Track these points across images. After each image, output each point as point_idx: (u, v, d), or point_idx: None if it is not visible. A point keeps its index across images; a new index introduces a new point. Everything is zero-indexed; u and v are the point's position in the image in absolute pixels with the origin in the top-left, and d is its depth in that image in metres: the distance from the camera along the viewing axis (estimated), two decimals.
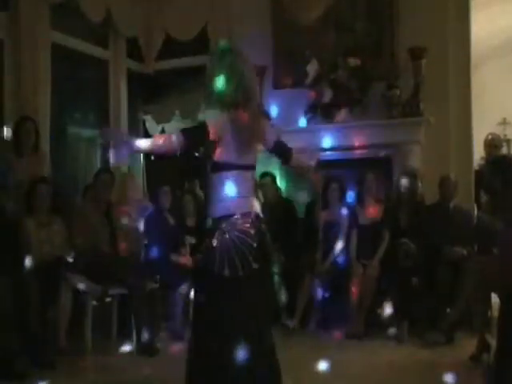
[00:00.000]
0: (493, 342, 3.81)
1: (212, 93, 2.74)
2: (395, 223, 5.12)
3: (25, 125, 4.90)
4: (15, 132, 4.91)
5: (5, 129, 5.19)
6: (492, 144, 5.88)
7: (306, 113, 6.14)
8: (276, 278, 5.22)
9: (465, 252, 4.82)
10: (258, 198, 5.48)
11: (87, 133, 6.79)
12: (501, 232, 3.96)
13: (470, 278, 4.28)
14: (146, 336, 4.51)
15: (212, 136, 2.64)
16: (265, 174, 5.71)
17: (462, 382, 3.67)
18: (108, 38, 6.85)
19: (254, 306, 2.69)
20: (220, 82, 2.70)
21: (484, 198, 5.15)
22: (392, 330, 4.78)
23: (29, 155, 4.85)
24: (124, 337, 4.69)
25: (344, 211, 5.25)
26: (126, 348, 4.49)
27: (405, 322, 4.75)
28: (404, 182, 5.18)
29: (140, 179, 6.91)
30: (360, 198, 5.29)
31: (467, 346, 4.25)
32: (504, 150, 6.99)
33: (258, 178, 5.76)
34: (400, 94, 5.79)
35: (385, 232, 5.06)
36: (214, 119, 2.67)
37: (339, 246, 5.17)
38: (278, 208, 5.50)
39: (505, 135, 7.14)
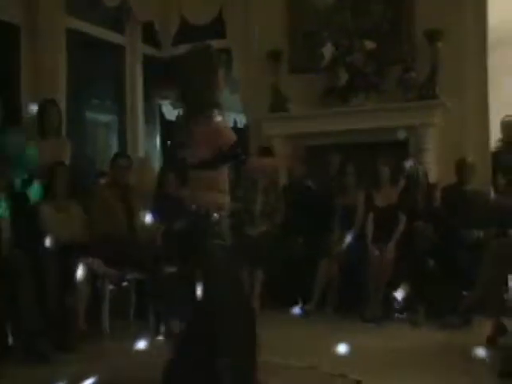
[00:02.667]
0: (508, 323, 3.81)
1: None
2: (411, 206, 5.10)
3: (49, 107, 4.93)
4: (40, 114, 4.93)
5: (30, 108, 5.19)
6: (509, 126, 5.82)
7: (322, 97, 6.12)
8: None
9: (482, 234, 4.80)
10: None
11: (105, 118, 6.84)
12: None
13: (487, 260, 4.26)
14: (164, 321, 4.55)
15: None
16: None
17: (478, 364, 3.71)
18: (124, 23, 6.87)
19: None
20: None
21: (501, 180, 5.14)
22: (409, 314, 4.81)
23: (53, 140, 4.90)
24: (142, 321, 4.74)
25: (360, 195, 5.25)
26: (145, 332, 4.55)
27: (421, 305, 4.76)
28: (407, 165, 5.17)
29: (156, 164, 6.94)
30: (376, 182, 5.28)
31: (484, 328, 4.25)
32: None
33: None
34: (417, 77, 5.75)
35: (401, 215, 5.05)
36: None
37: (355, 229, 5.17)
38: (301, 189, 5.56)
39: None
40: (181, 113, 2.95)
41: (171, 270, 4.97)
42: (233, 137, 2.79)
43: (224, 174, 2.87)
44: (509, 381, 3.40)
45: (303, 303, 5.16)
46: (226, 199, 2.87)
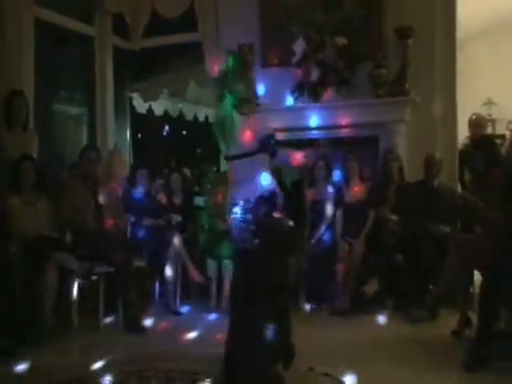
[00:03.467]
0: (474, 317, 3.89)
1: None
2: (381, 201, 5.17)
3: (16, 99, 4.84)
4: (6, 106, 4.83)
5: None
6: (476, 124, 5.93)
7: (293, 92, 6.14)
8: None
9: (448, 230, 4.89)
10: None
11: (74, 110, 6.75)
12: (483, 211, 4.03)
13: (452, 255, 4.34)
14: (133, 313, 4.55)
15: None
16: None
17: (443, 357, 3.78)
18: (93, 14, 6.78)
19: None
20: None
21: (468, 176, 5.23)
22: (377, 307, 4.87)
23: (20, 132, 4.81)
24: (111, 314, 4.73)
25: (330, 190, 5.30)
26: (113, 326, 4.53)
27: (389, 299, 4.84)
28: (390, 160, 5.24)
29: (126, 157, 6.88)
30: (346, 177, 5.34)
31: (450, 321, 4.34)
32: (489, 130, 7.05)
33: None
34: (387, 74, 5.81)
35: (370, 210, 5.11)
36: None
37: (325, 224, 5.21)
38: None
39: (489, 115, 7.19)
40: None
41: (141, 263, 4.98)
42: (269, 130, 3.28)
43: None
44: (474, 373, 3.48)
45: None
46: None
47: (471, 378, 3.43)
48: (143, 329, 4.50)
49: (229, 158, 3.34)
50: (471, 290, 4.51)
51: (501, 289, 3.63)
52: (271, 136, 3.25)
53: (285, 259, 3.39)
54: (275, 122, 6.07)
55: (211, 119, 8.48)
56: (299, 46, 6.16)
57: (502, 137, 6.40)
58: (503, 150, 5.63)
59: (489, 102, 7.26)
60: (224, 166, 5.95)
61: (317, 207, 5.26)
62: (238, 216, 3.22)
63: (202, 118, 8.72)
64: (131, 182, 5.39)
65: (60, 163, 6.19)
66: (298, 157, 4.12)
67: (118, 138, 7.06)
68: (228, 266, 5.13)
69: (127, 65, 7.35)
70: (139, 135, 7.89)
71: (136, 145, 7.46)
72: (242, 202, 3.23)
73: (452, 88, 5.84)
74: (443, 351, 3.90)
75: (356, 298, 4.98)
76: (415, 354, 3.87)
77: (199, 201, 5.87)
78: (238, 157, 3.25)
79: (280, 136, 5.94)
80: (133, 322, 4.51)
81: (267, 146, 3.22)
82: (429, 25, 5.76)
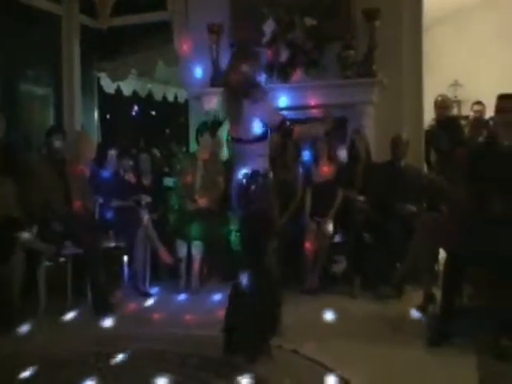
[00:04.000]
0: (438, 294, 4.00)
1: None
2: (349, 181, 5.23)
3: None
4: None
5: None
6: (442, 105, 6.01)
7: (263, 72, 6.12)
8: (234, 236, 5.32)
9: (415, 209, 4.99)
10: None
11: (40, 91, 6.63)
12: (448, 190, 4.12)
13: (418, 234, 4.44)
14: (101, 295, 4.55)
15: None
16: None
17: (408, 332, 3.89)
18: None
19: None
20: None
21: (434, 157, 5.33)
22: (345, 285, 4.96)
23: None
24: (79, 296, 4.70)
25: (299, 170, 5.34)
26: (82, 307, 4.52)
27: (357, 277, 4.93)
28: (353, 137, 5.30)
29: (94, 137, 6.81)
30: (315, 158, 5.38)
31: (415, 298, 4.45)
32: (455, 111, 7.17)
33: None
34: (355, 55, 5.85)
35: (338, 190, 5.17)
36: None
37: (294, 204, 5.26)
38: None
39: (455, 96, 7.31)
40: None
41: (109, 244, 4.96)
42: (278, 113, 3.54)
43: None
44: (436, 347, 3.59)
45: None
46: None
47: (434, 353, 3.53)
48: (112, 310, 4.49)
49: (242, 141, 3.44)
50: (436, 267, 4.62)
51: (464, 266, 3.73)
52: (285, 119, 3.47)
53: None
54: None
55: (180, 99, 8.44)
56: (269, 27, 6.15)
57: (467, 118, 6.51)
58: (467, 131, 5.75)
59: (455, 84, 7.38)
60: (194, 146, 5.96)
61: (286, 187, 5.29)
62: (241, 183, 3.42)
63: (171, 98, 8.66)
64: (99, 162, 5.35)
65: (27, 145, 6.11)
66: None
67: (86, 119, 6.98)
68: (197, 246, 5.17)
69: (95, 44, 7.24)
70: (107, 116, 7.80)
71: (104, 125, 7.38)
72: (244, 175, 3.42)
73: (418, 70, 5.92)
74: (408, 327, 4.01)
75: (325, 276, 5.06)
76: (382, 330, 3.97)
77: (169, 181, 5.86)
78: (251, 141, 3.40)
79: None
80: (101, 304, 4.50)
81: (284, 127, 3.45)
82: (396, 7, 5.83)
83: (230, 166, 5.57)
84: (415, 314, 4.23)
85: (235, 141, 3.51)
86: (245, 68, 3.39)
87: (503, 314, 3.55)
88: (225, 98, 3.52)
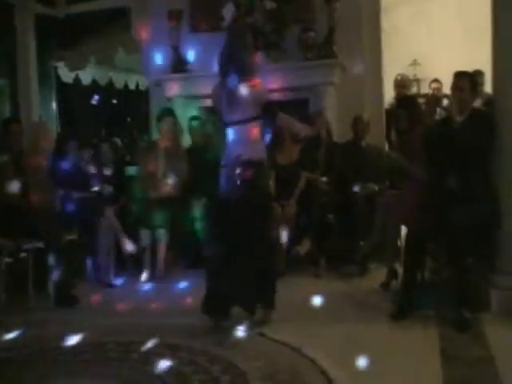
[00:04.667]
0: (400, 270, 4.06)
1: None
2: (311, 163, 5.24)
3: None
4: None
5: None
6: (401, 84, 6.09)
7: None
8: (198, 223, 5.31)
9: (377, 188, 5.03)
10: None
11: None
12: (407, 168, 4.17)
13: (380, 212, 4.49)
14: (64, 288, 4.49)
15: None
16: (193, 118, 5.76)
17: (373, 307, 3.95)
18: None
19: None
20: None
21: (394, 136, 5.37)
22: (311, 266, 5.00)
23: None
24: (41, 290, 4.62)
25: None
26: (45, 301, 4.46)
27: (322, 258, 4.96)
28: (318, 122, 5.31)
29: (53, 128, 6.69)
30: (278, 140, 5.37)
31: (379, 275, 4.51)
32: (414, 90, 7.24)
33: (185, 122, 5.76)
34: (315, 37, 5.85)
35: (301, 172, 5.18)
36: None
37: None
38: (204, 151, 5.57)
39: (415, 75, 7.40)
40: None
41: (72, 236, 4.89)
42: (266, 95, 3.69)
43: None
44: (399, 321, 3.64)
45: None
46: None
47: (398, 327, 3.59)
48: (75, 303, 4.44)
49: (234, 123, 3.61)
50: (399, 244, 4.67)
51: (423, 241, 3.78)
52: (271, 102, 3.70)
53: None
54: (206, 88, 6.05)
55: (142, 87, 8.34)
56: (228, 11, 6.09)
57: (426, 95, 6.59)
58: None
59: (414, 63, 7.45)
60: (155, 135, 5.89)
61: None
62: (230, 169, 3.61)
63: (132, 86, 8.55)
64: (58, 153, 5.25)
65: None
66: None
67: (44, 110, 6.85)
68: (162, 235, 5.13)
69: (51, 33, 7.09)
70: (66, 106, 7.66)
71: (63, 116, 7.25)
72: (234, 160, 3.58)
73: (378, 50, 5.96)
74: (373, 304, 4.06)
75: (290, 258, 5.07)
76: (347, 308, 4.02)
77: (131, 170, 5.80)
78: (241, 122, 3.59)
79: (211, 102, 5.97)
80: (64, 297, 4.44)
81: (270, 110, 3.66)
82: None
83: (194, 153, 5.61)
84: (379, 290, 4.28)
85: (229, 125, 3.65)
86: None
87: (463, 286, 3.61)
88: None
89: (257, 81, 3.64)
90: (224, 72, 3.66)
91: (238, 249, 3.60)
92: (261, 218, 3.64)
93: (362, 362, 2.95)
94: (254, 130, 3.62)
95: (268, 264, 3.69)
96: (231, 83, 3.57)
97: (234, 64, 3.59)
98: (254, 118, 3.61)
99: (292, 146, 5.34)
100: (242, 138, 3.62)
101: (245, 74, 3.58)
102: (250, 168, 3.56)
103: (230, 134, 3.66)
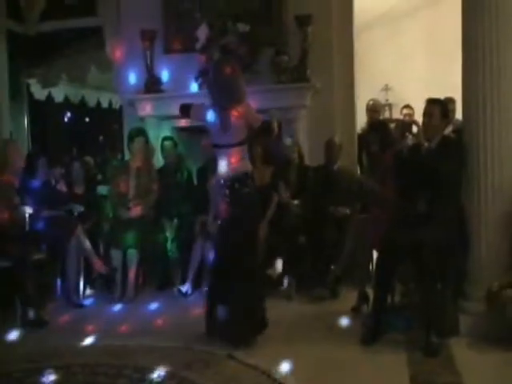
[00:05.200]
0: (371, 293, 4.08)
1: None
2: (283, 185, 5.26)
3: None
4: None
5: None
6: (372, 109, 6.18)
7: (196, 78, 6.12)
8: (169, 243, 5.28)
9: (348, 211, 5.07)
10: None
11: None
12: (377, 192, 4.23)
13: (351, 235, 4.53)
14: (32, 308, 4.41)
15: None
16: (166, 139, 5.74)
17: (343, 330, 3.97)
18: None
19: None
20: None
21: (365, 160, 5.45)
22: (281, 288, 4.99)
23: None
24: (8, 311, 4.50)
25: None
26: (11, 322, 4.36)
27: (293, 280, 4.96)
28: (288, 142, 5.35)
29: (24, 145, 6.61)
30: (251, 162, 5.38)
31: (349, 298, 4.53)
32: (386, 115, 7.35)
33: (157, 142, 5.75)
34: (288, 60, 5.92)
35: (273, 194, 5.20)
36: None
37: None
38: (176, 172, 5.60)
39: (387, 100, 7.51)
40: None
41: (40, 256, 4.80)
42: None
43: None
44: (369, 346, 3.66)
45: (181, 284, 5.17)
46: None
47: (367, 351, 3.61)
48: (43, 324, 4.36)
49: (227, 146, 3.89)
50: (370, 267, 4.71)
51: (393, 264, 3.81)
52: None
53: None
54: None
55: (115, 105, 8.31)
56: (202, 32, 6.14)
57: (397, 121, 6.68)
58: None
59: (386, 88, 7.57)
60: (127, 154, 5.86)
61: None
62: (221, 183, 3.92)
63: (105, 105, 8.52)
64: (29, 171, 5.18)
65: None
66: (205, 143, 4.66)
67: (15, 127, 6.77)
68: (132, 254, 5.09)
69: (23, 50, 7.03)
70: (38, 123, 7.59)
71: (35, 133, 7.17)
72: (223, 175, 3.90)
73: (350, 74, 6.04)
74: (343, 327, 4.07)
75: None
76: (317, 331, 4.02)
77: (102, 190, 5.75)
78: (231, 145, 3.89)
79: (184, 123, 5.98)
80: (32, 318, 4.36)
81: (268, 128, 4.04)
82: (327, 12, 5.92)
83: (166, 173, 5.60)
84: (350, 314, 4.30)
85: (218, 147, 3.92)
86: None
87: (430, 310, 3.65)
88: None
89: (244, 107, 3.87)
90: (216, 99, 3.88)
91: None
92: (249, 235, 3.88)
93: None
94: (242, 152, 3.93)
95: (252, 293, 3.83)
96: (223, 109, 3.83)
97: (226, 92, 3.83)
98: (242, 142, 3.91)
99: (264, 169, 5.36)
100: (230, 160, 3.88)
101: (236, 100, 3.84)
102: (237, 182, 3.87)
103: (221, 155, 3.92)
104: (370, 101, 6.28)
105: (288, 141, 5.46)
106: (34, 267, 4.54)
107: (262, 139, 5.26)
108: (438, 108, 3.90)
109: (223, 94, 3.82)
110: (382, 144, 4.47)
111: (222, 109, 3.82)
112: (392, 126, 5.38)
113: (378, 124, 5.09)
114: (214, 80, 3.88)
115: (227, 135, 3.84)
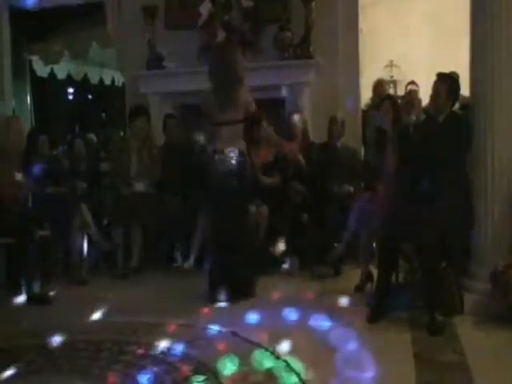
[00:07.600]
0: (375, 272, 4.07)
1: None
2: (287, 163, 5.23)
3: None
4: None
5: None
6: (377, 85, 6.12)
7: (198, 54, 6.05)
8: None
9: (351, 189, 5.04)
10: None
11: None
12: (382, 170, 4.20)
13: (354, 213, 4.50)
14: (36, 285, 4.42)
15: None
16: (169, 116, 5.72)
17: (347, 309, 3.95)
18: None
19: None
20: None
21: (371, 137, 5.39)
22: (284, 266, 4.99)
23: None
24: (13, 288, 4.53)
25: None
26: (17, 299, 4.38)
27: (295, 257, 4.95)
28: (294, 119, 5.30)
29: (27, 123, 6.57)
30: (254, 143, 5.34)
31: (352, 277, 4.52)
32: (391, 91, 7.29)
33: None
34: (292, 37, 5.84)
35: (276, 173, 5.17)
36: None
37: None
38: (179, 148, 5.55)
39: (391, 76, 7.44)
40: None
41: (44, 233, 4.80)
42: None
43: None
44: (374, 324, 3.65)
45: (184, 260, 5.17)
46: None
47: (372, 330, 3.60)
48: (47, 300, 4.37)
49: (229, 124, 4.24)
50: (373, 246, 4.69)
51: (397, 243, 3.80)
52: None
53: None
54: (181, 85, 6.02)
55: (118, 82, 8.25)
56: (205, 8, 6.06)
57: (403, 98, 6.62)
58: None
59: (390, 65, 7.50)
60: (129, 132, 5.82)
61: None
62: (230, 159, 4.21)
63: (108, 82, 8.45)
64: (31, 149, 5.16)
65: None
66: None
67: (18, 104, 6.72)
68: (135, 231, 5.08)
69: (25, 26, 6.96)
70: (41, 100, 7.55)
71: (38, 110, 7.13)
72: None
73: (354, 51, 5.96)
74: (346, 305, 4.05)
75: (265, 257, 5.05)
76: (320, 308, 3.99)
77: (105, 167, 5.72)
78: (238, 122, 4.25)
79: (187, 99, 5.93)
80: (36, 294, 4.38)
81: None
82: None
83: (168, 151, 5.55)
84: (353, 292, 4.29)
85: (219, 125, 4.20)
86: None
87: (436, 289, 3.63)
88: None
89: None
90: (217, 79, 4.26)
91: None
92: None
93: (335, 364, 2.95)
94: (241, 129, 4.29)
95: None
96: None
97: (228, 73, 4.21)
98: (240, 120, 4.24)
99: (267, 150, 5.31)
100: (231, 135, 4.23)
101: (238, 81, 4.23)
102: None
103: (223, 131, 4.24)
104: (375, 80, 6.21)
105: (296, 117, 5.40)
106: (37, 244, 4.54)
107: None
108: (446, 85, 3.83)
109: (223, 80, 4.23)
110: (388, 121, 4.42)
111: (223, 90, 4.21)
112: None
113: (388, 97, 5.07)
114: (214, 66, 4.27)
115: (227, 114, 4.19)
